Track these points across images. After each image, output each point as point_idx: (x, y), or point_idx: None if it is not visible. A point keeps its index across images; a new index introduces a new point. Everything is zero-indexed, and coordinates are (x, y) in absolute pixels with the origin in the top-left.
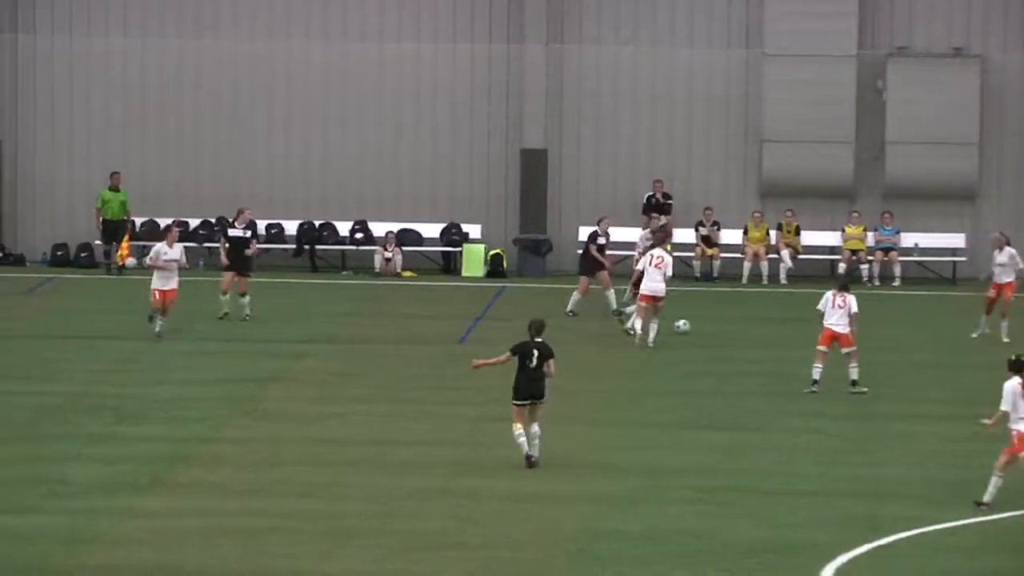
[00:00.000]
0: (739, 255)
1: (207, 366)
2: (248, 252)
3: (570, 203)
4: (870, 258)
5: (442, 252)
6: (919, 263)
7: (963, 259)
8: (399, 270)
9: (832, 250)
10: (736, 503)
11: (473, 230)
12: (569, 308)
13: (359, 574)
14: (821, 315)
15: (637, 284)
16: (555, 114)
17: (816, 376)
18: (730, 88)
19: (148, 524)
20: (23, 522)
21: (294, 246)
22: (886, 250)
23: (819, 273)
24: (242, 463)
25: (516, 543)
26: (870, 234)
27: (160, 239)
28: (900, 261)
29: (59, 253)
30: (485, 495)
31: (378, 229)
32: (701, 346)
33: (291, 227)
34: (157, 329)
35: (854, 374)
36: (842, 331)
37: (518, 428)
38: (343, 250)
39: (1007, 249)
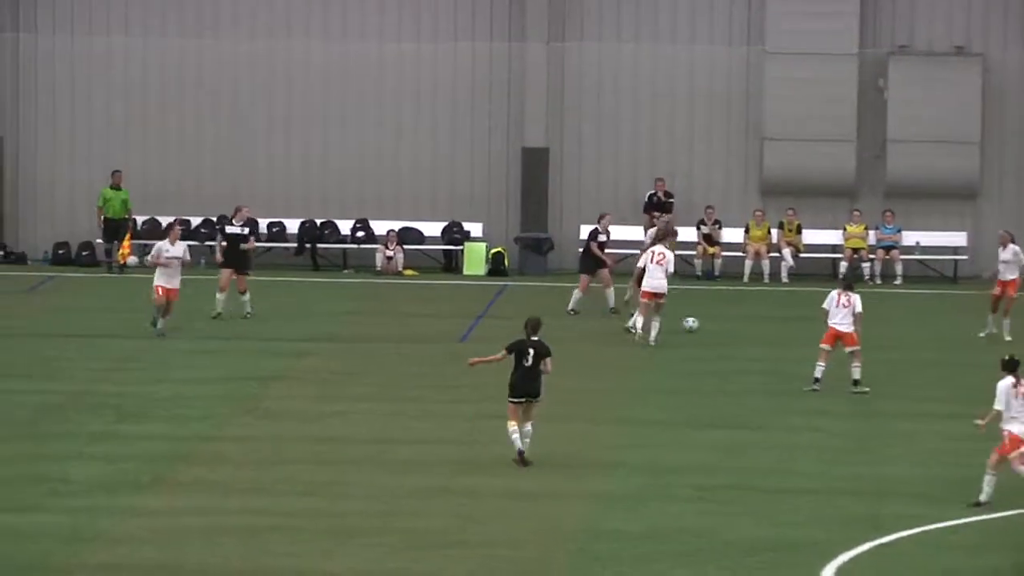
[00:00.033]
0: (740, 253)
1: (208, 364)
2: (244, 246)
3: (571, 201)
4: (871, 256)
5: (443, 250)
6: (920, 261)
7: (964, 258)
8: (400, 269)
9: (833, 248)
10: (737, 501)
11: (474, 228)
12: (571, 307)
13: (360, 572)
14: (826, 314)
15: (639, 281)
16: (556, 112)
17: (818, 374)
18: (731, 86)
19: (149, 522)
20: (24, 520)
21: (295, 245)
22: (887, 248)
23: (820, 272)
24: (243, 461)
25: (516, 541)
26: (871, 232)
27: (161, 238)
28: (901, 260)
29: (60, 252)
30: (486, 493)
31: (379, 228)
32: (702, 344)
33: (292, 226)
34: (159, 326)
35: (856, 373)
36: (846, 330)
37: (512, 425)
38: (344, 249)
39: (1011, 246)
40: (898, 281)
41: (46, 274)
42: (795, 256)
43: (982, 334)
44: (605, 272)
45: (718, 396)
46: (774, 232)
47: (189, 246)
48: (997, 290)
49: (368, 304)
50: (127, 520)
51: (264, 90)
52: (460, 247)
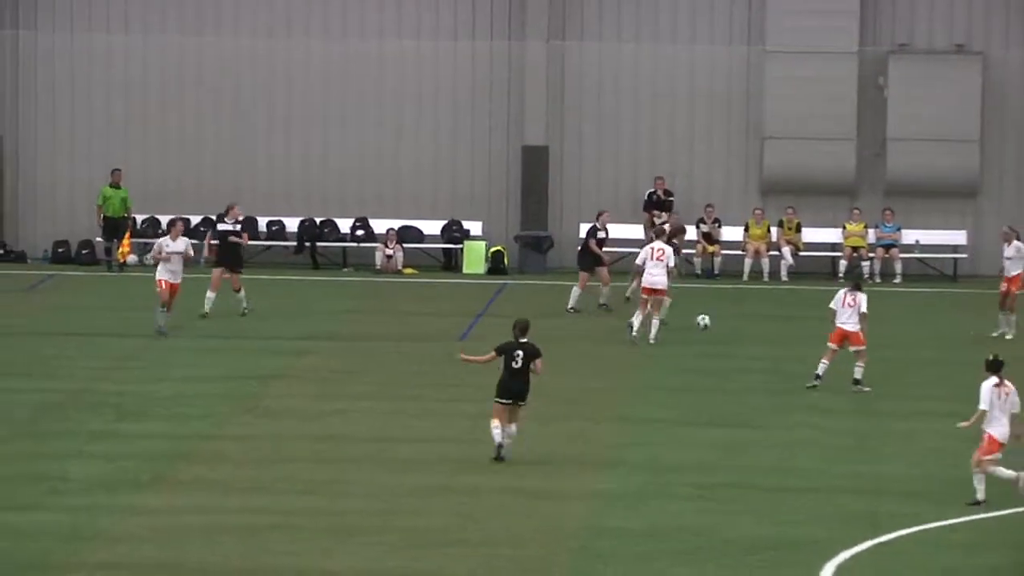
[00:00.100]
0: (740, 252)
1: (208, 363)
2: (232, 238)
3: (571, 200)
4: (871, 255)
5: (443, 249)
6: (920, 260)
7: (964, 256)
8: (400, 267)
9: (833, 247)
10: (737, 500)
11: (474, 227)
12: (571, 305)
13: (360, 571)
14: (833, 314)
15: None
16: (556, 111)
17: (819, 371)
18: (731, 85)
19: (149, 521)
20: (24, 519)
21: (295, 243)
22: (887, 247)
23: (820, 270)
24: (243, 460)
25: (517, 540)
26: (871, 231)
27: (161, 237)
28: (901, 258)
29: (60, 250)
30: (486, 492)
31: (379, 226)
32: (702, 343)
33: (292, 224)
34: (161, 323)
35: (858, 373)
36: (852, 329)
37: (495, 423)
38: (344, 247)
39: (1015, 243)
40: (898, 280)
41: (46, 272)
42: (795, 255)
43: (994, 334)
44: (604, 271)
45: (718, 394)
46: (774, 231)
47: (192, 244)
48: (1003, 287)
49: (368, 303)
50: (127, 519)
51: (264, 87)
52: (460, 245)
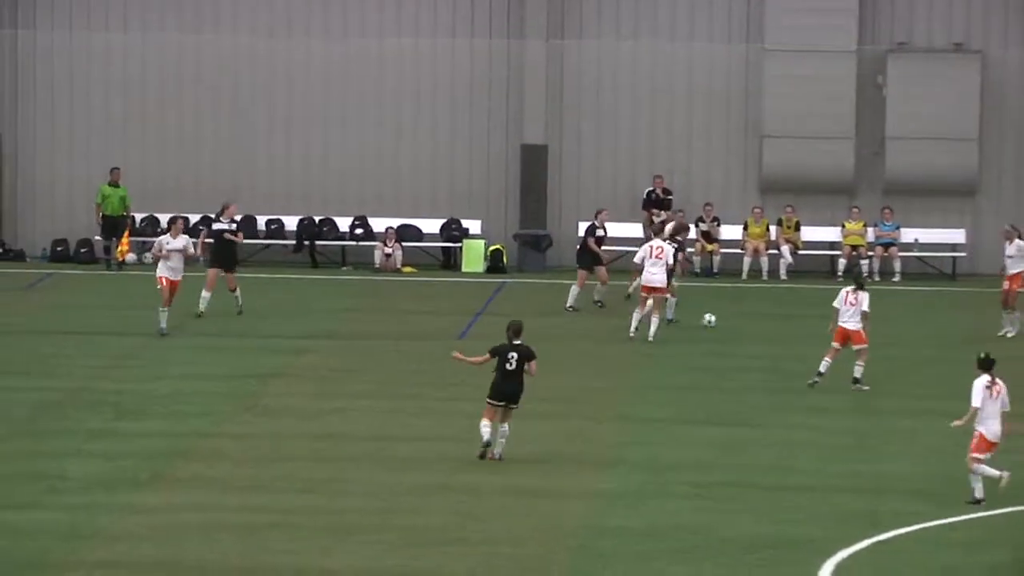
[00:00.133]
0: (739, 251)
1: (207, 361)
2: (227, 236)
3: (570, 198)
4: (870, 254)
5: (442, 248)
6: (919, 259)
7: (963, 255)
8: (399, 266)
9: (832, 246)
10: (735, 499)
11: (473, 226)
12: (569, 304)
13: (359, 570)
14: (836, 312)
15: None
16: (555, 110)
17: (822, 369)
18: (730, 83)
19: (148, 520)
20: (22, 518)
21: (294, 242)
22: (886, 246)
23: (819, 269)
24: (242, 459)
25: (517, 539)
26: (870, 230)
27: (161, 235)
28: (900, 257)
29: (59, 249)
30: (485, 491)
31: (378, 225)
32: (701, 342)
33: (291, 223)
34: (163, 326)
35: (858, 372)
36: (853, 328)
37: (485, 421)
38: (343, 246)
39: (1016, 242)
40: (897, 278)
41: (44, 271)
42: (793, 253)
43: (1000, 334)
44: (602, 270)
45: (716, 393)
46: (773, 229)
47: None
48: (1006, 285)
49: (367, 301)
50: (125, 517)
51: (263, 86)
52: (459, 244)
